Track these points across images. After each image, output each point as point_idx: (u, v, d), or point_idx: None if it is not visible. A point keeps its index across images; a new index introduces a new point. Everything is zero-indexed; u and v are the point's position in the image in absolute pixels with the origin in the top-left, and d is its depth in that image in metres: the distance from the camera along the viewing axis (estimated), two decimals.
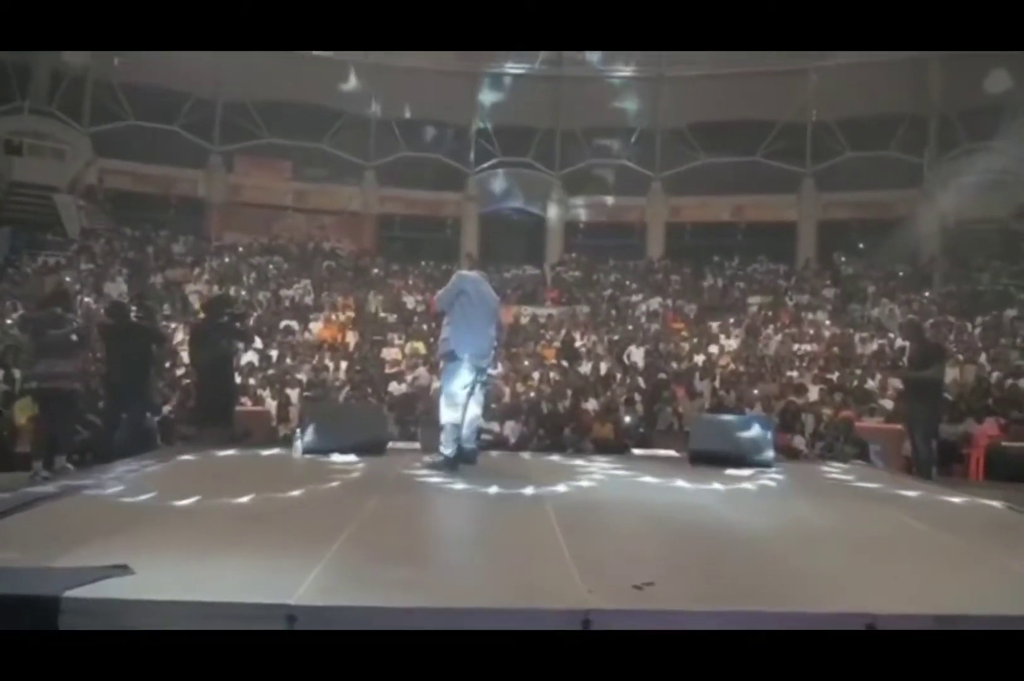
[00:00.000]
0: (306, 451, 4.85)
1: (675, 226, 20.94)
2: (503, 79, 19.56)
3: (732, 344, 13.93)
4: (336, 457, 4.75)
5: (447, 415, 4.63)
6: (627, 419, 7.80)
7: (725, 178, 19.82)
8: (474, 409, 4.82)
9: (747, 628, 2.06)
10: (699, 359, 12.46)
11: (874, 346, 13.50)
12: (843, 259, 19.26)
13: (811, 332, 14.51)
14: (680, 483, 4.10)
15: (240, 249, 17.42)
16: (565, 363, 13.11)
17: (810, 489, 4.18)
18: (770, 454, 4.58)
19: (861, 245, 19.71)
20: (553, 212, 20.96)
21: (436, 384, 11.24)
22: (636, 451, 5.54)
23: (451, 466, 4.48)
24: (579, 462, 4.86)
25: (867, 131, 19.03)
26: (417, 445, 5.65)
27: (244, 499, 3.36)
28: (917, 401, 5.80)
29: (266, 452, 5.12)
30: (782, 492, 4.04)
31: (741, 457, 4.49)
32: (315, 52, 17.46)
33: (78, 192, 16.69)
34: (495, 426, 10.13)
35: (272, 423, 8.05)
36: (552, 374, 12.26)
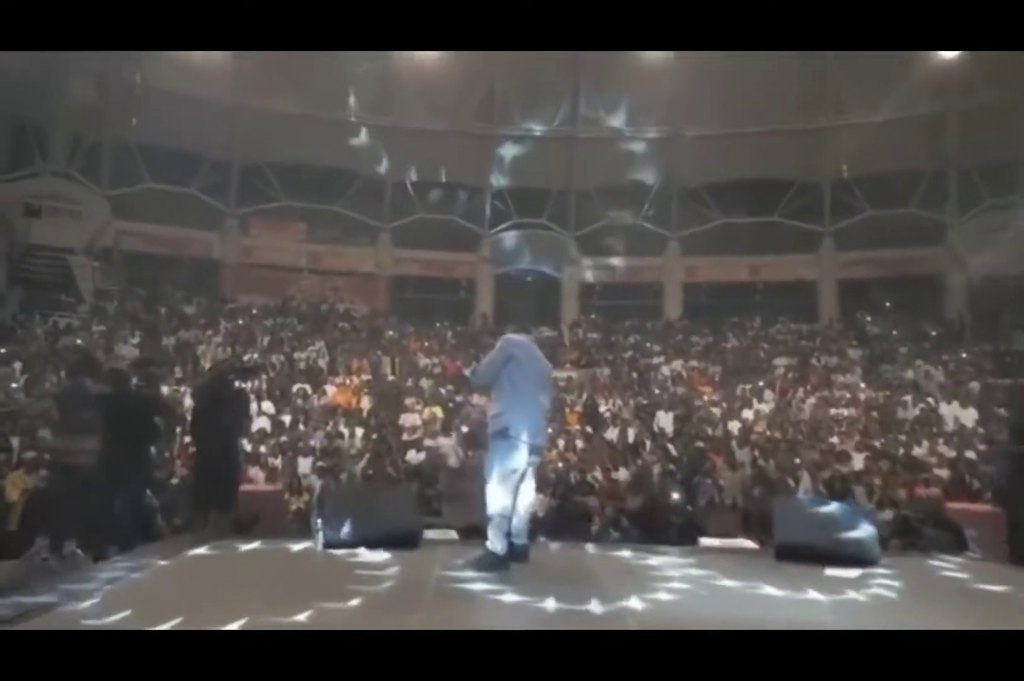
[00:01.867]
0: (327, 546, 4.23)
1: (692, 286, 20.65)
2: (518, 140, 19.59)
3: (764, 408, 13.33)
4: (363, 552, 4.13)
5: (496, 504, 4.02)
6: (674, 496, 7.15)
7: (742, 238, 19.64)
8: (527, 496, 4.24)
9: None
10: (733, 425, 11.85)
11: (916, 411, 12.88)
12: (868, 319, 18.83)
13: (847, 395, 13.92)
14: (784, 593, 3.41)
15: (254, 311, 17.09)
16: (590, 429, 12.53)
17: (933, 597, 3.49)
18: (876, 551, 3.95)
19: (888, 304, 19.30)
20: (568, 273, 20.72)
21: (461, 453, 10.67)
22: (705, 541, 4.84)
23: (501, 566, 3.85)
24: (645, 560, 4.21)
25: (886, 189, 18.86)
26: (453, 534, 5.00)
27: (237, 624, 2.66)
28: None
29: (278, 546, 4.46)
30: (904, 603, 3.35)
31: (841, 554, 3.84)
32: (330, 114, 17.64)
33: (93, 253, 16.51)
34: None
35: (284, 501, 7.39)
36: (578, 442, 11.66)
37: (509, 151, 19.69)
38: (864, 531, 3.89)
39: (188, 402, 10.68)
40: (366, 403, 12.81)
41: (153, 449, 5.54)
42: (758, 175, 19.14)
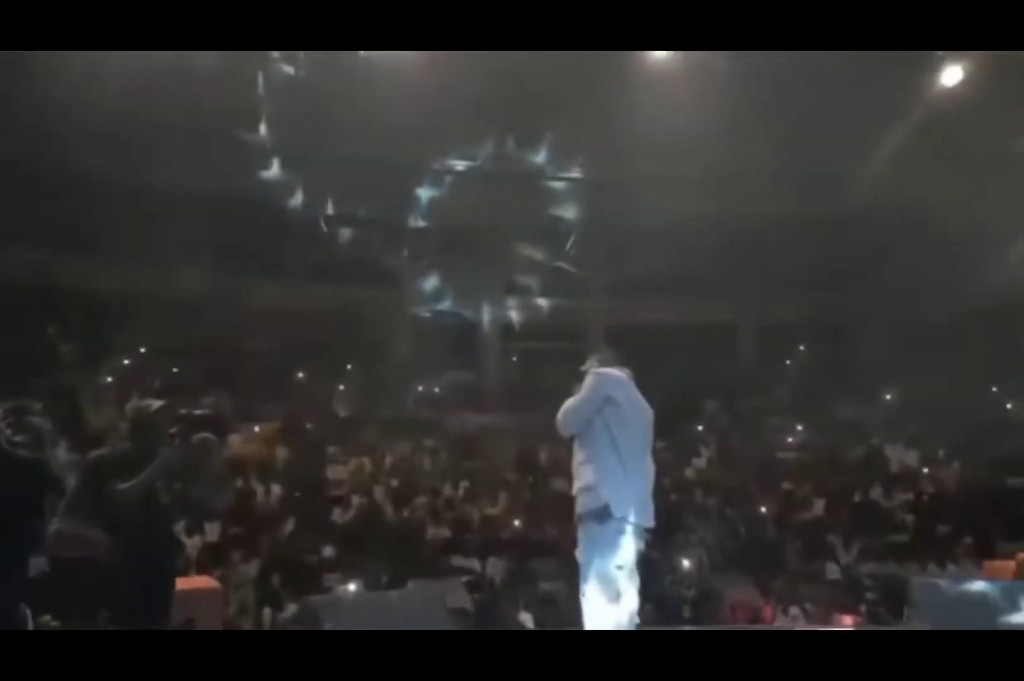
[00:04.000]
0: None
1: (616, 329, 20.20)
2: (441, 175, 18.80)
3: (712, 453, 12.78)
4: None
5: (597, 616, 2.89)
6: (685, 562, 6.20)
7: (666, 280, 19.46)
8: (631, 601, 3.13)
9: None
10: (689, 473, 11.16)
11: (860, 451, 12.65)
12: (788, 362, 18.95)
13: (790, 439, 13.60)
14: None
15: (143, 350, 15.25)
16: (531, 479, 11.57)
17: None
18: None
19: (801, 347, 19.48)
20: (490, 314, 19.90)
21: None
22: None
23: None
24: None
25: (801, 234, 19.10)
26: None
27: None
28: None
29: None
30: None
31: None
32: (240, 139, 16.29)
33: None
34: (475, 563, 8.37)
35: (220, 605, 5.70)
36: (524, 494, 10.66)
37: (431, 186, 18.85)
38: None
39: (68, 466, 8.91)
40: (281, 454, 11.31)
41: (30, 532, 3.48)
42: (682, 218, 18.99)
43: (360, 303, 18.67)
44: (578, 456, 3.23)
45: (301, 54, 15.85)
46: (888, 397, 15.53)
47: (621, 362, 3.55)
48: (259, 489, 9.73)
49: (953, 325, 16.23)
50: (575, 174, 19.29)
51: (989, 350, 14.62)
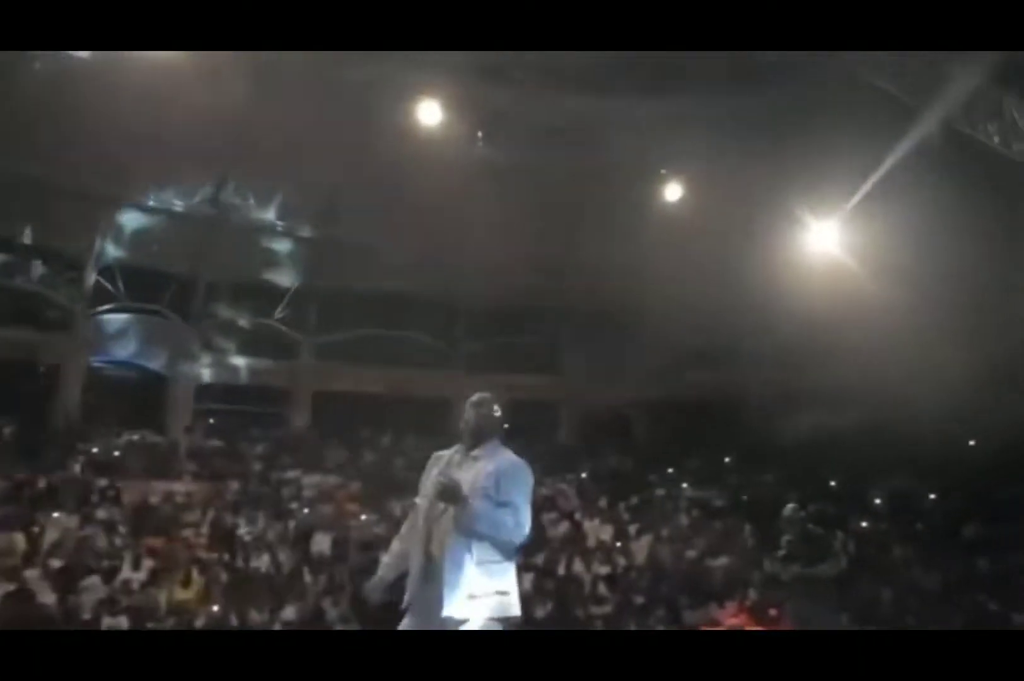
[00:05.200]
0: None
1: (324, 395, 19.35)
2: (144, 211, 16.81)
3: None
4: None
5: None
6: None
7: (380, 349, 19.30)
8: None
9: None
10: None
11: (562, 528, 13.17)
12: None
13: None
14: None
15: None
16: (227, 557, 10.23)
17: None
18: None
19: (506, 425, 20.28)
20: (183, 369, 17.89)
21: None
22: None
23: None
24: None
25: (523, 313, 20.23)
26: None
27: None
28: (816, 602, 4.96)
29: None
30: None
31: None
32: None
33: None
34: None
35: None
36: (222, 573, 9.35)
37: (129, 221, 16.75)
38: None
39: None
40: None
41: None
42: (401, 289, 19.07)
43: (21, 347, 15.62)
44: (489, 553, 2.78)
45: None
46: (584, 475, 16.62)
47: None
48: None
49: (638, 408, 18.21)
50: (297, 232, 18.53)
51: (665, 434, 16.50)
